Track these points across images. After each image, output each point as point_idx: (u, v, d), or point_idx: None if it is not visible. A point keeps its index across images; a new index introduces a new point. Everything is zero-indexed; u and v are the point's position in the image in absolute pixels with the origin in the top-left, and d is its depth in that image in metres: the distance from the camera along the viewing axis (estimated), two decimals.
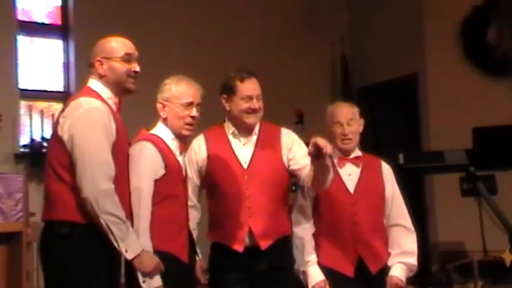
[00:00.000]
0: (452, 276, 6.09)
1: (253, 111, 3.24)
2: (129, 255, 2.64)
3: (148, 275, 2.72)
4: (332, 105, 3.59)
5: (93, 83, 2.84)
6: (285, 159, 3.28)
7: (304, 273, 3.39)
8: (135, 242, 2.67)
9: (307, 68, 7.56)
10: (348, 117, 3.46)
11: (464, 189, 5.89)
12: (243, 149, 3.28)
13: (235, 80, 3.27)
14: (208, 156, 3.28)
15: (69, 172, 2.65)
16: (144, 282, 2.76)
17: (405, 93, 7.43)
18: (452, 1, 7.11)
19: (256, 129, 3.32)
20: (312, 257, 3.40)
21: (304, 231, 3.43)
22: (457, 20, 7.08)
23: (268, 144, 3.29)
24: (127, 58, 2.84)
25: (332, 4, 7.93)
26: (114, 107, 2.82)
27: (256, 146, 3.29)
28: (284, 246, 3.26)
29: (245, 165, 3.24)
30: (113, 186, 2.65)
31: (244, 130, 3.29)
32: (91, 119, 2.67)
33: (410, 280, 3.54)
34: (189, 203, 3.17)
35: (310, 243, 3.42)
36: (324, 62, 7.96)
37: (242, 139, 3.30)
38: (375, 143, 6.83)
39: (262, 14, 7.44)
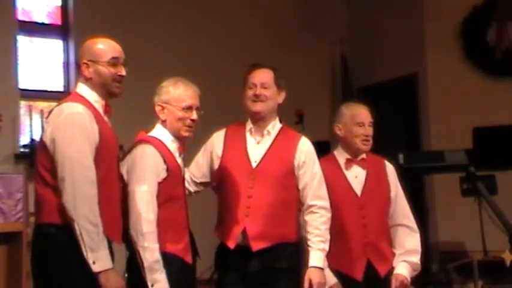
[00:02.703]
0: (452, 276, 6.09)
1: (256, 96, 3.25)
2: (96, 268, 2.61)
3: None
4: (348, 106, 3.59)
5: (81, 88, 2.85)
6: (296, 164, 3.25)
7: None
8: (105, 257, 2.64)
9: (307, 68, 7.56)
10: (369, 119, 3.49)
11: (464, 189, 5.89)
12: (256, 148, 3.27)
13: (247, 71, 3.32)
14: (223, 151, 3.29)
15: (53, 176, 2.67)
16: (152, 286, 2.79)
17: (405, 93, 7.43)
18: (452, 1, 7.11)
19: (275, 131, 3.31)
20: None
21: None
22: (457, 20, 7.09)
23: (283, 147, 3.27)
24: (113, 62, 2.83)
25: (332, 4, 7.94)
26: (101, 110, 2.83)
27: (270, 146, 3.27)
28: (283, 251, 3.19)
29: (254, 164, 3.23)
30: (94, 190, 2.65)
31: (259, 126, 3.28)
32: (71, 124, 2.69)
33: (410, 280, 3.54)
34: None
35: None
36: (324, 62, 7.96)
37: (257, 137, 3.29)
38: (375, 143, 6.82)
39: (262, 14, 7.44)
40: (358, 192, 3.44)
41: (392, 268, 3.43)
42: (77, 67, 2.89)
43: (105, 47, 2.85)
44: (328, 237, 3.23)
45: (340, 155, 3.51)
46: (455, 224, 6.62)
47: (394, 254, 3.46)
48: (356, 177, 3.47)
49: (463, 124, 6.28)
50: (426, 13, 7.24)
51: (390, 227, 3.50)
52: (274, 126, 3.32)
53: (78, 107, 2.73)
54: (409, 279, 3.43)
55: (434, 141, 6.98)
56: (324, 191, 3.28)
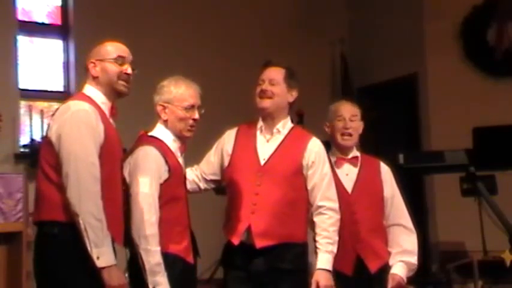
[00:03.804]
0: (452, 276, 6.09)
1: (262, 92, 3.24)
2: (100, 264, 2.62)
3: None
4: (335, 103, 3.61)
5: (88, 89, 2.87)
6: (304, 164, 3.24)
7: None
8: (109, 253, 2.66)
9: (307, 68, 7.51)
10: (351, 112, 3.49)
11: (464, 189, 5.90)
12: (266, 146, 3.27)
13: (260, 71, 3.32)
14: (233, 148, 3.30)
15: (57, 173, 2.68)
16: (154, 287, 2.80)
17: (405, 93, 7.43)
18: (452, 1, 7.11)
19: (286, 130, 3.30)
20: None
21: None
22: (457, 20, 7.09)
23: (291, 147, 3.26)
24: (120, 61, 2.85)
25: (332, 4, 7.93)
26: (107, 112, 2.84)
27: (279, 145, 3.27)
28: (288, 251, 3.17)
29: (262, 162, 3.23)
30: (98, 187, 2.66)
31: (268, 124, 3.28)
32: (77, 121, 2.70)
33: (410, 280, 3.54)
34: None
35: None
36: (324, 62, 7.96)
37: (267, 135, 3.29)
38: (375, 143, 6.82)
39: (262, 14, 7.44)
40: (349, 189, 3.45)
41: (385, 265, 3.43)
42: (85, 69, 2.89)
43: (112, 46, 2.88)
44: (337, 238, 3.22)
45: (332, 154, 3.52)
46: (455, 224, 6.62)
47: (388, 252, 3.46)
48: (347, 175, 3.48)
49: (463, 124, 6.27)
50: (426, 13, 7.24)
51: (386, 227, 3.50)
52: (285, 125, 3.31)
53: (85, 105, 2.75)
54: (405, 280, 3.43)
55: (434, 141, 6.98)
56: (333, 192, 3.27)
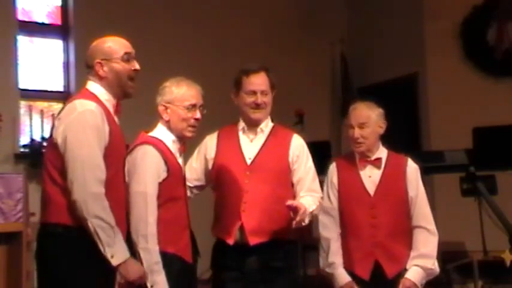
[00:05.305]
0: (452, 276, 6.09)
1: (257, 106, 3.26)
2: (115, 261, 2.63)
3: (132, 282, 2.72)
4: (352, 105, 3.53)
5: (92, 85, 2.84)
6: (290, 160, 3.28)
7: (330, 275, 3.37)
8: (121, 249, 2.67)
9: (307, 68, 7.55)
10: (359, 120, 3.42)
11: (464, 189, 5.89)
12: (250, 146, 3.30)
13: (242, 74, 3.31)
14: (217, 152, 3.32)
15: (63, 175, 2.67)
16: (152, 287, 2.80)
17: (405, 93, 7.43)
18: (452, 1, 7.12)
19: (268, 129, 3.33)
20: (337, 259, 3.37)
21: (329, 232, 3.41)
22: (457, 20, 7.09)
23: (276, 145, 3.30)
24: (127, 58, 2.84)
25: (332, 4, 7.93)
26: (111, 110, 2.83)
27: (264, 144, 3.30)
28: (280, 248, 3.20)
29: (249, 161, 3.26)
30: (103, 189, 2.66)
31: (253, 126, 3.31)
32: (83, 122, 2.68)
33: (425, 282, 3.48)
34: None
35: (335, 244, 3.39)
36: (324, 62, 7.96)
37: (251, 135, 3.32)
38: None
39: (262, 14, 7.43)
40: (371, 191, 3.40)
41: (404, 270, 3.36)
42: (88, 68, 2.86)
43: (115, 44, 2.86)
44: (317, 207, 3.23)
45: (357, 154, 3.48)
46: (455, 224, 6.60)
47: (408, 256, 3.38)
48: (370, 176, 3.43)
49: (463, 124, 6.27)
50: (426, 13, 7.24)
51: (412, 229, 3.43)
52: (267, 124, 3.35)
53: (91, 105, 2.73)
54: (418, 285, 3.35)
55: (434, 141, 6.98)
56: (317, 185, 3.33)
